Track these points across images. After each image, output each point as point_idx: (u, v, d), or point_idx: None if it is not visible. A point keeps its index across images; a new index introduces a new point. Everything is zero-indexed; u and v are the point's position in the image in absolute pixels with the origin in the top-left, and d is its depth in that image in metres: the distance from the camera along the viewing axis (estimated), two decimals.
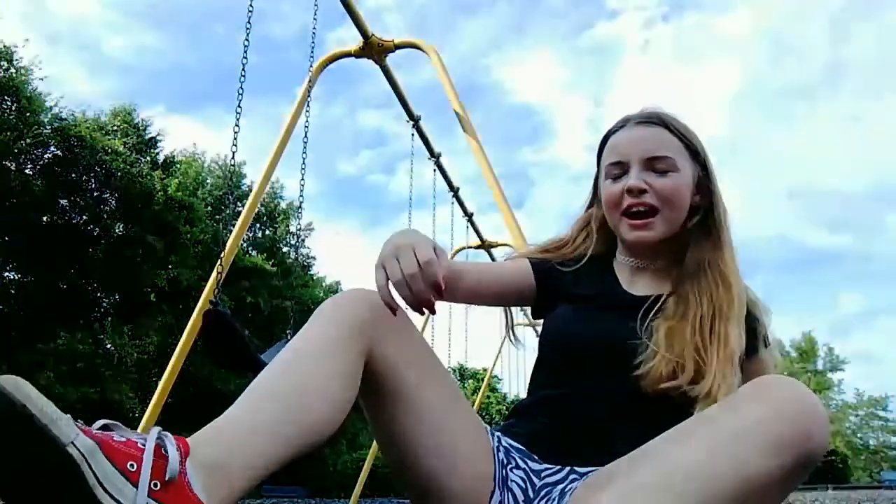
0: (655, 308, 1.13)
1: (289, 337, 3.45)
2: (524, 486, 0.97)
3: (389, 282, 0.90)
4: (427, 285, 0.88)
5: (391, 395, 0.93)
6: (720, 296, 1.11)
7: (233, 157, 3.03)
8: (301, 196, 3.76)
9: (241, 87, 2.99)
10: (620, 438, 0.94)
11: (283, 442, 0.76)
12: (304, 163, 3.69)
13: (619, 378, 1.03)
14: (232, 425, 0.75)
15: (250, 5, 3.00)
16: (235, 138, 2.99)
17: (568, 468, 0.98)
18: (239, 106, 2.97)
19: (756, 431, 0.77)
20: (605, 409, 1.03)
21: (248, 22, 2.98)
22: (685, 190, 1.15)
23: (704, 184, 1.19)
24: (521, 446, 1.02)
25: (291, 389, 0.81)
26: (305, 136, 3.75)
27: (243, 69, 3.01)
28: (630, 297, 1.18)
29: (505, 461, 1.00)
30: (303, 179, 3.74)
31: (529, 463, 0.99)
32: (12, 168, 15.81)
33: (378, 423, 0.96)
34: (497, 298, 1.23)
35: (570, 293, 1.21)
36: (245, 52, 3.03)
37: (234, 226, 4.29)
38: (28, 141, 15.78)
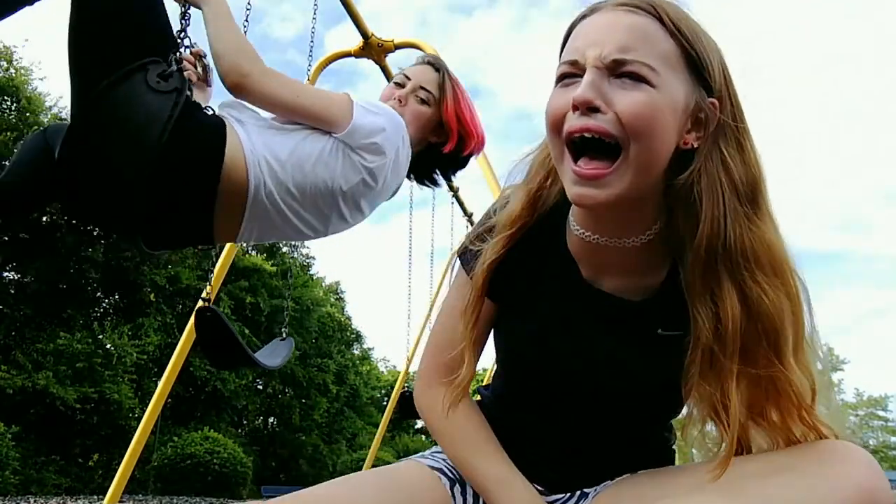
0: (640, 328, 0.86)
1: (283, 336, 3.45)
2: None
3: None
4: None
5: None
6: (751, 308, 0.74)
7: None
8: None
9: None
10: (623, 460, 0.94)
11: None
12: None
13: (609, 410, 0.93)
14: None
15: (248, 4, 3.01)
16: None
17: (578, 492, 0.96)
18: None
19: None
20: (601, 439, 0.95)
21: (246, 20, 2.99)
22: (667, 116, 0.74)
23: (707, 117, 0.78)
24: None
25: None
26: None
27: None
28: (602, 302, 0.88)
29: None
30: None
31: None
32: None
33: None
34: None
35: (524, 300, 0.92)
36: None
37: None
38: None
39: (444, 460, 0.99)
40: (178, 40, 1.40)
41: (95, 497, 11.71)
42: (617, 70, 0.74)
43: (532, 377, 0.95)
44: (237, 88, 1.44)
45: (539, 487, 0.95)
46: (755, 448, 0.81)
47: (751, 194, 0.77)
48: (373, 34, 4.48)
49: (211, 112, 1.48)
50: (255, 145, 1.44)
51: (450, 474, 0.96)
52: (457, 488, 0.94)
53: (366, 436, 24.93)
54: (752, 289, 0.75)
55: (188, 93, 1.32)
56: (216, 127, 1.41)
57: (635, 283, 0.86)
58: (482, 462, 0.91)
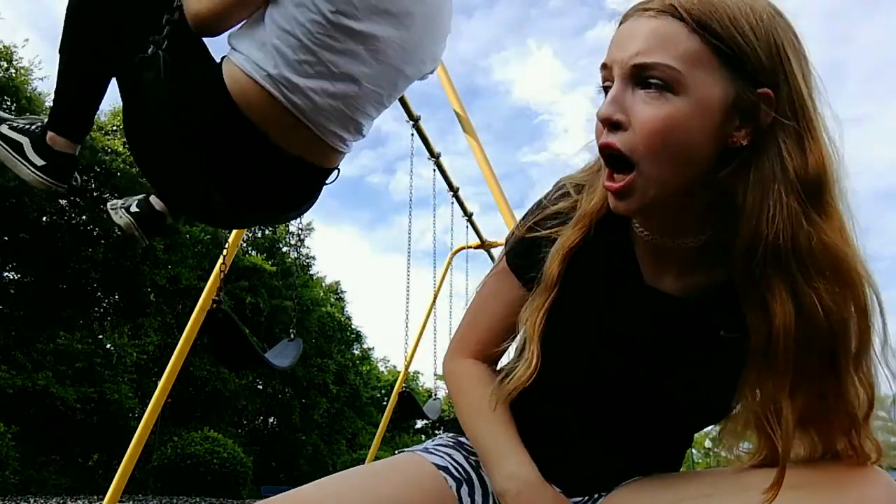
0: (700, 330, 0.82)
1: (292, 336, 3.43)
2: None
3: None
4: None
5: None
6: (809, 311, 0.69)
7: None
8: None
9: None
10: (651, 464, 0.93)
11: None
12: None
13: (656, 414, 0.89)
14: None
15: None
16: None
17: (597, 496, 0.94)
18: None
19: None
20: (639, 443, 0.93)
21: None
22: (693, 123, 0.70)
23: (757, 109, 0.70)
24: None
25: None
26: None
27: None
28: (661, 302, 0.84)
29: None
30: None
31: None
32: None
33: None
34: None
35: (579, 295, 0.88)
36: None
37: None
38: None
39: (449, 456, 0.95)
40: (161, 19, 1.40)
41: (95, 497, 11.70)
42: (640, 77, 0.71)
43: (575, 375, 0.91)
44: (199, 28, 1.42)
45: (556, 489, 0.92)
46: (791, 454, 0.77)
47: (813, 191, 0.69)
48: None
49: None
50: (246, 54, 1.41)
51: (456, 474, 0.92)
52: (464, 489, 0.91)
53: (366, 436, 24.91)
54: (807, 294, 0.69)
55: (169, 62, 1.37)
56: (209, 71, 1.45)
57: (695, 284, 0.83)
58: (486, 432, 0.91)
